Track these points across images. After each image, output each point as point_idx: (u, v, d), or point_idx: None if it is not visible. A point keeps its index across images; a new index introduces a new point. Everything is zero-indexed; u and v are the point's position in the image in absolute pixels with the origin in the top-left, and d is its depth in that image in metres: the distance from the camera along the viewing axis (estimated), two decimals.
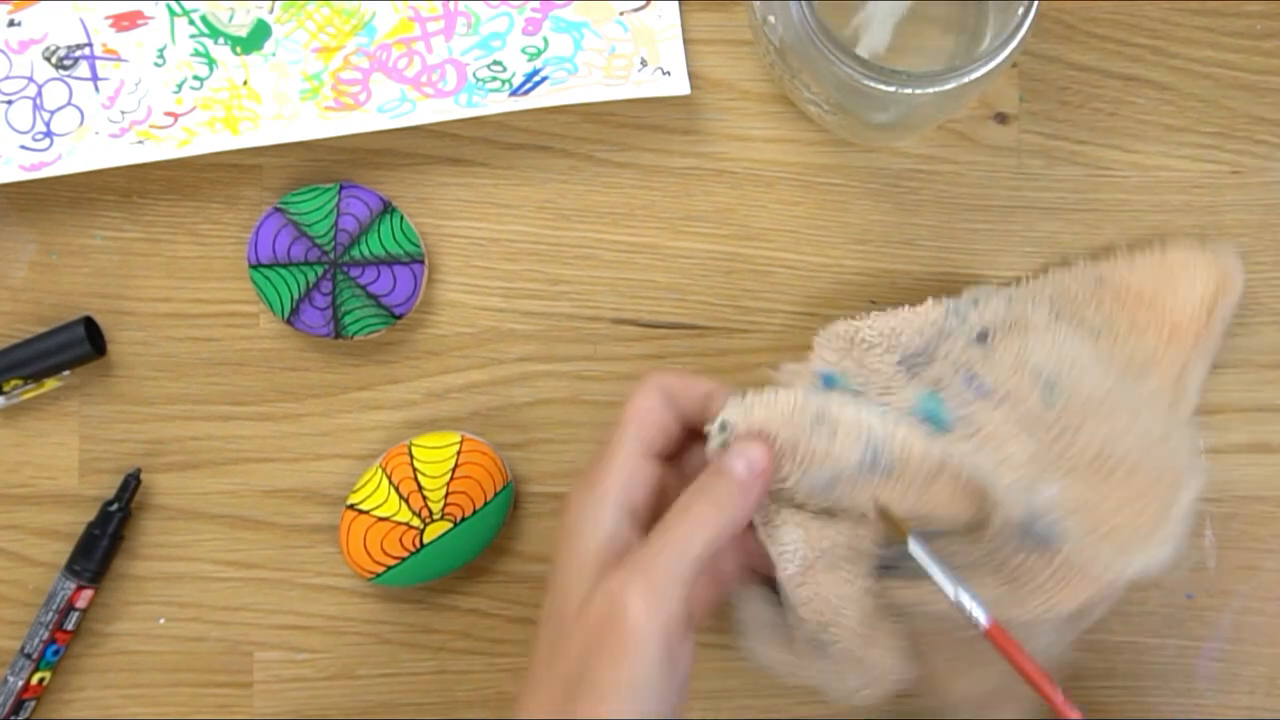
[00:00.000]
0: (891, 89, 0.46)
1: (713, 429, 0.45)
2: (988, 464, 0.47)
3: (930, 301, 0.51)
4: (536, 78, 0.54)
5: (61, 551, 0.55)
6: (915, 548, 0.45)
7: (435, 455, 0.54)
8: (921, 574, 0.46)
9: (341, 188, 0.55)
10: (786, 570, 0.46)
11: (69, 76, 0.54)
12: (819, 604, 0.46)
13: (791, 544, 0.46)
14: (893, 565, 0.48)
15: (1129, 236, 0.56)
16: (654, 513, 0.45)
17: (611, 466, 0.45)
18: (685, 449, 0.48)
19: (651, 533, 0.43)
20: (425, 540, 0.54)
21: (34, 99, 0.54)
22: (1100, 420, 0.50)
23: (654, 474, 0.46)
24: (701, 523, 0.43)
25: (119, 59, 0.54)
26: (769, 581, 0.48)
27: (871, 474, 0.45)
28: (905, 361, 0.51)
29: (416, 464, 0.54)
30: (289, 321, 0.55)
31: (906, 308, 0.51)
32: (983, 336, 0.51)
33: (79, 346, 0.54)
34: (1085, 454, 0.50)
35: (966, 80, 0.46)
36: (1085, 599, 0.46)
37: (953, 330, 0.51)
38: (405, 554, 0.54)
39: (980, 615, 0.44)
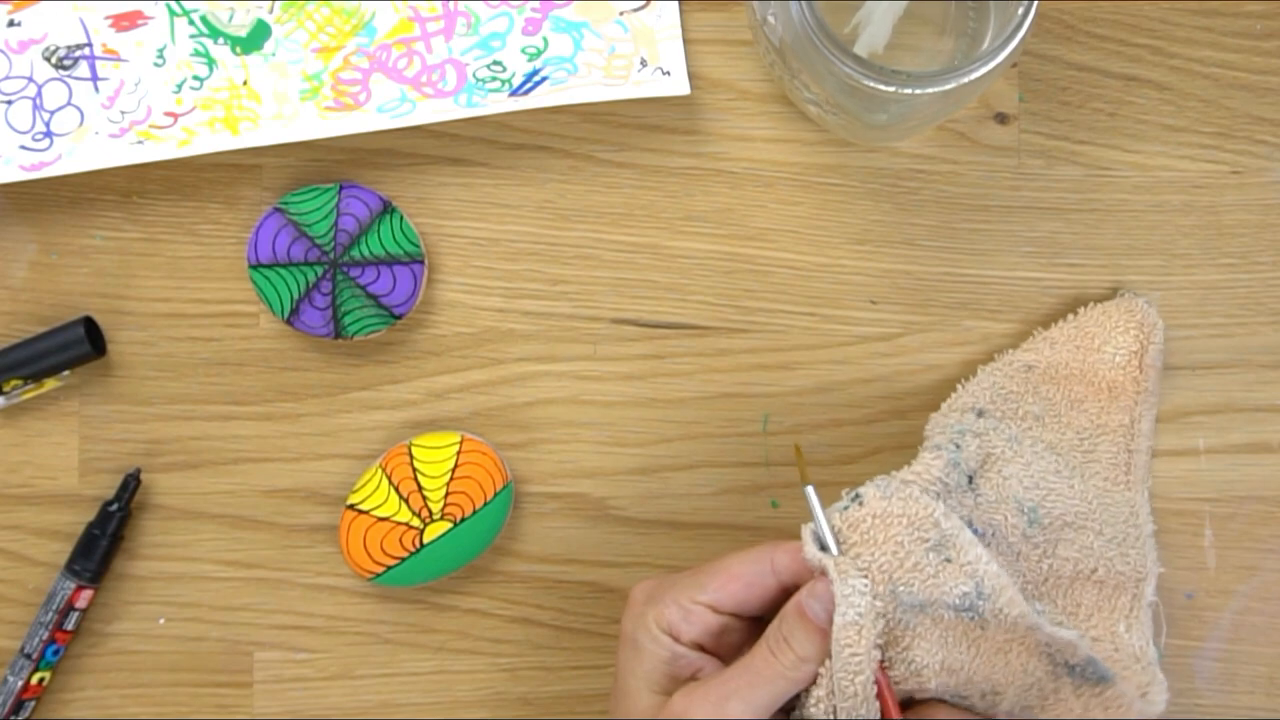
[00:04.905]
0: (891, 89, 0.46)
1: (845, 497, 0.46)
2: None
3: (928, 456, 0.49)
4: (536, 78, 0.54)
5: (61, 551, 0.55)
6: (811, 494, 0.45)
7: (435, 455, 0.54)
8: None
9: (341, 188, 0.55)
10: (845, 616, 0.43)
11: (69, 76, 0.54)
12: (866, 676, 0.44)
13: (859, 598, 0.44)
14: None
15: (1129, 237, 0.56)
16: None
17: (686, 606, 0.46)
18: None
19: (736, 670, 0.44)
20: (425, 540, 0.54)
21: (34, 99, 0.54)
22: (1075, 532, 0.52)
23: (730, 624, 0.47)
24: (782, 676, 0.44)
25: (119, 59, 0.54)
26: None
27: (963, 614, 0.44)
28: None
29: (416, 464, 0.54)
30: (289, 321, 0.54)
31: (907, 468, 0.49)
32: (970, 480, 0.52)
33: (79, 346, 0.54)
34: (1065, 568, 0.52)
35: (966, 80, 0.46)
36: None
37: (953, 485, 0.50)
38: (405, 554, 0.54)
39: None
